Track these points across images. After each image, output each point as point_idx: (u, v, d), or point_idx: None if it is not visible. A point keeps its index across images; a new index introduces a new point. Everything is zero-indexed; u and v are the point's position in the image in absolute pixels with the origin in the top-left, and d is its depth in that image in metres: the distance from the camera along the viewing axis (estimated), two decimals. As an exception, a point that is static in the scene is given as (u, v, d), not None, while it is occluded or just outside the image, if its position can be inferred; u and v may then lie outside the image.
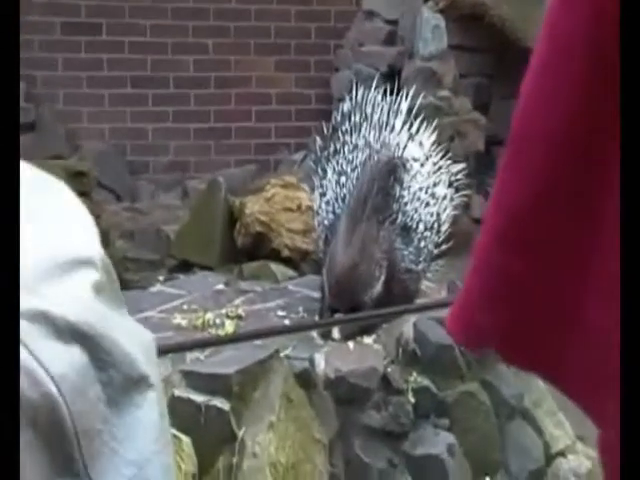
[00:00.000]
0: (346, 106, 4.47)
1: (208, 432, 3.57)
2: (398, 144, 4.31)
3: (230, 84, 7.33)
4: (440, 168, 4.45)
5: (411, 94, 4.50)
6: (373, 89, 4.52)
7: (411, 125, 4.38)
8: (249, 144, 7.37)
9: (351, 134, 4.37)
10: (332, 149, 4.40)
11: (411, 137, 4.38)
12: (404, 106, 4.41)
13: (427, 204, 4.41)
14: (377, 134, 4.33)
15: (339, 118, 4.46)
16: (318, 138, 4.58)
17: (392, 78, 6.84)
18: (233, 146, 7.33)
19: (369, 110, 4.38)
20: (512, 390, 4.19)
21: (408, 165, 4.29)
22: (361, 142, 4.32)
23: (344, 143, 4.37)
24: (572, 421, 4.25)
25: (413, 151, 4.37)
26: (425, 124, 4.42)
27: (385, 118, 4.36)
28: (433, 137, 4.44)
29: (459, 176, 4.53)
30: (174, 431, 3.53)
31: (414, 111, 4.43)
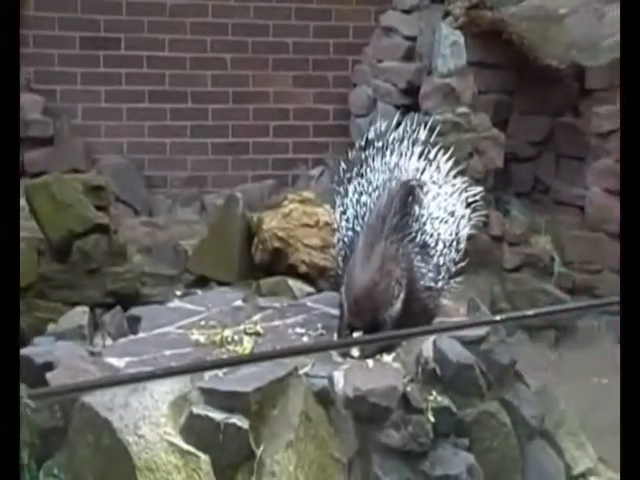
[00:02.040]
0: (370, 134, 4.56)
1: (226, 450, 3.55)
2: (417, 168, 4.38)
3: (248, 99, 7.34)
4: (458, 189, 4.49)
5: (429, 123, 4.61)
6: (395, 120, 4.65)
7: (429, 152, 4.46)
8: (267, 159, 7.38)
9: (373, 159, 4.43)
10: (355, 172, 4.45)
11: (429, 162, 4.44)
12: (423, 135, 4.49)
13: (446, 222, 4.41)
14: (397, 159, 4.40)
15: (363, 144, 4.53)
16: (342, 162, 4.65)
17: (410, 94, 6.85)
18: (251, 161, 7.34)
19: (391, 138, 4.47)
20: (533, 410, 4.16)
21: (426, 188, 4.32)
22: (382, 166, 4.39)
23: (366, 166, 4.43)
24: (594, 442, 4.21)
25: (431, 174, 4.43)
26: (443, 150, 4.50)
27: (405, 145, 4.44)
28: (450, 162, 4.50)
29: (477, 197, 4.55)
30: (192, 449, 3.52)
31: (432, 139, 4.53)
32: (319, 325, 4.40)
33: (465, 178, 4.61)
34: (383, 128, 4.58)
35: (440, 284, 4.37)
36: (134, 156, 7.08)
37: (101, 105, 7.06)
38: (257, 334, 4.29)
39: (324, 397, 3.81)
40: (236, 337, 4.20)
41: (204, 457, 3.51)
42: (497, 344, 4.21)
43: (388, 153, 4.46)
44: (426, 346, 4.05)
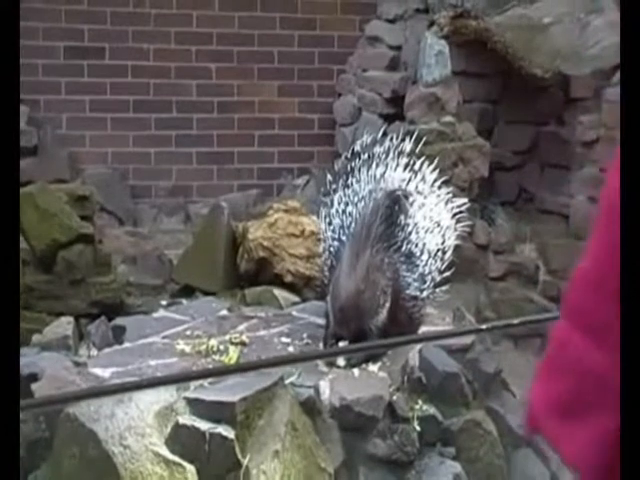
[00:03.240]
0: (356, 147, 4.58)
1: (212, 460, 3.54)
2: (403, 179, 4.40)
3: (233, 109, 7.34)
4: (443, 200, 4.51)
5: (414, 136, 4.64)
6: (380, 132, 4.71)
7: (414, 163, 4.48)
8: (252, 169, 7.37)
9: (359, 170, 4.45)
10: (340, 183, 4.47)
11: (415, 173, 4.47)
12: (408, 146, 4.50)
13: (431, 232, 4.42)
14: (383, 170, 4.42)
15: (349, 156, 4.55)
16: (328, 173, 4.67)
17: (395, 103, 6.86)
18: (236, 170, 7.34)
19: (376, 150, 4.50)
20: (518, 419, 4.17)
21: (411, 197, 4.34)
22: (368, 177, 4.41)
23: (352, 177, 4.45)
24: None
25: (417, 185, 4.45)
26: (428, 161, 4.53)
27: (391, 157, 4.47)
28: (436, 173, 4.52)
29: (462, 208, 4.57)
30: (178, 459, 3.50)
31: (417, 150, 4.56)
32: (305, 335, 4.40)
33: (450, 188, 4.63)
34: (369, 141, 4.60)
35: (425, 293, 4.37)
36: (119, 166, 7.06)
37: (85, 115, 7.04)
38: (243, 344, 4.28)
39: (310, 407, 3.80)
40: (222, 347, 4.19)
41: (190, 467, 3.50)
42: (483, 353, 4.22)
43: (374, 165, 4.48)
44: (412, 355, 4.05)
